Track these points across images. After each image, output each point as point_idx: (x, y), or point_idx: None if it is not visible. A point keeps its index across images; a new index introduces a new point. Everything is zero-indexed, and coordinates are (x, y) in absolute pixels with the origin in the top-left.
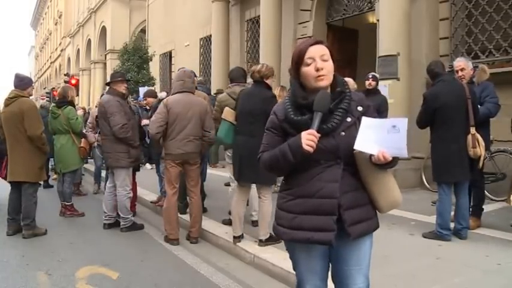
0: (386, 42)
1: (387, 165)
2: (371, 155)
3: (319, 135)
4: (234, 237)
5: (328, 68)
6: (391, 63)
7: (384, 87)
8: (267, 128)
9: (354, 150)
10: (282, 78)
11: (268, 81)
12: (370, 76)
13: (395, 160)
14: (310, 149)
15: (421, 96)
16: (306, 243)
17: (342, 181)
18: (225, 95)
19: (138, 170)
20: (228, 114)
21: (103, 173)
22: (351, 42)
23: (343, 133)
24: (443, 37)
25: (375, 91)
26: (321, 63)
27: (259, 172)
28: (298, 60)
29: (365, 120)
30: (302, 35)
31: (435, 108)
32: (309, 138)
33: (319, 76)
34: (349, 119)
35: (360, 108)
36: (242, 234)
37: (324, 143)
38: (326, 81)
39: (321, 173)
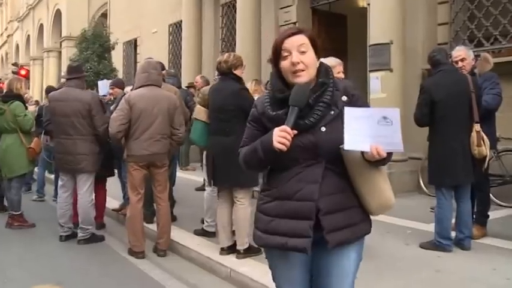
0: (378, 29)
1: (381, 161)
2: (363, 152)
3: (294, 132)
4: (221, 248)
5: (306, 60)
6: (383, 52)
7: (376, 79)
8: (248, 121)
9: (343, 149)
10: (262, 69)
11: (237, 72)
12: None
13: (389, 156)
14: (282, 147)
15: (417, 90)
16: (280, 249)
17: (324, 182)
18: (209, 87)
19: (113, 175)
20: (201, 112)
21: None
22: (339, 29)
23: (323, 128)
24: (442, 23)
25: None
26: (296, 57)
27: (235, 174)
28: (275, 53)
29: (349, 110)
30: (285, 22)
31: (433, 101)
32: (281, 135)
33: (295, 71)
34: (332, 112)
35: (344, 98)
36: (232, 245)
37: (301, 140)
38: (304, 77)
39: (300, 172)
